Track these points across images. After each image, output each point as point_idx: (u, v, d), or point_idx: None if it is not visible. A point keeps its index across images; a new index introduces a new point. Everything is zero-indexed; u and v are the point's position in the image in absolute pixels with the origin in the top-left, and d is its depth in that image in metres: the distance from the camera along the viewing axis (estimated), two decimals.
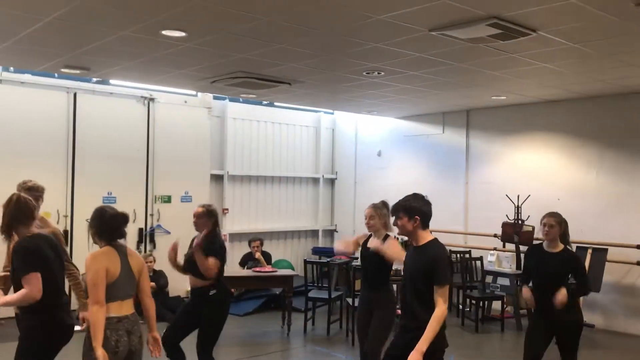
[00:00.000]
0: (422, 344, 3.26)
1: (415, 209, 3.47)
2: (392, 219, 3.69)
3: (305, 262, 7.52)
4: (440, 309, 3.32)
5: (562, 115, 8.22)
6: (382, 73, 6.38)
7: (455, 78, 6.67)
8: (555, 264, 4.45)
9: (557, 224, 4.46)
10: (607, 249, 7.44)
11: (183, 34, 4.87)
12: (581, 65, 5.93)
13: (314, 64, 6.05)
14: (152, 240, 8.74)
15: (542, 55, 5.47)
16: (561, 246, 4.51)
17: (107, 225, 3.52)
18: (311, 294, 7.39)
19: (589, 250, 7.55)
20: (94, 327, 3.26)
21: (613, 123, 7.73)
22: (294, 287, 7.50)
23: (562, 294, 4.32)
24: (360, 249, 4.93)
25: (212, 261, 4.67)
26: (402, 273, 3.70)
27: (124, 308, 3.45)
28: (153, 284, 7.98)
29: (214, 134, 9.68)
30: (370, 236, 4.87)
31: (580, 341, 4.49)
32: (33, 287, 3.43)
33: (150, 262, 8.09)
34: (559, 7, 4.04)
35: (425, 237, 3.49)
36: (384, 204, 4.83)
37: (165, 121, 8.94)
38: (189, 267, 4.87)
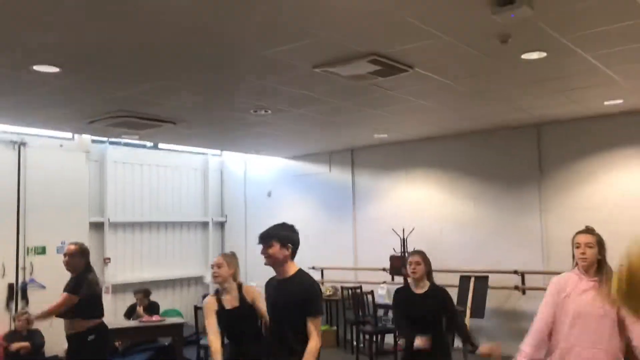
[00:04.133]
0: None
1: (288, 237, 3.37)
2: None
3: (196, 308, 7.22)
4: (315, 341, 3.19)
5: (440, 152, 8.67)
6: (269, 111, 6.41)
7: (339, 117, 6.84)
8: (424, 305, 4.22)
9: (422, 261, 4.28)
10: (487, 276, 7.84)
11: (57, 69, 4.61)
12: (454, 103, 6.31)
13: (199, 102, 5.95)
14: (25, 297, 8.00)
15: (418, 92, 5.76)
16: (428, 284, 4.30)
17: None
18: (203, 342, 7.07)
19: (472, 279, 7.91)
20: None
21: (486, 157, 8.26)
22: (185, 336, 7.15)
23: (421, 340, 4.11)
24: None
25: (62, 297, 4.62)
26: (268, 310, 3.46)
27: None
28: (27, 344, 7.29)
29: (92, 179, 9.18)
30: (217, 293, 4.25)
31: None
32: None
33: (24, 321, 7.38)
34: (432, 44, 4.28)
35: (294, 267, 3.38)
36: (233, 254, 4.53)
37: (39, 166, 8.35)
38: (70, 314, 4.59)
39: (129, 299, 8.79)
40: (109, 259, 9.31)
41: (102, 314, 4.82)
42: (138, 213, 9.88)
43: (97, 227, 9.21)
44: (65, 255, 4.72)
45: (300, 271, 3.42)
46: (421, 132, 8.21)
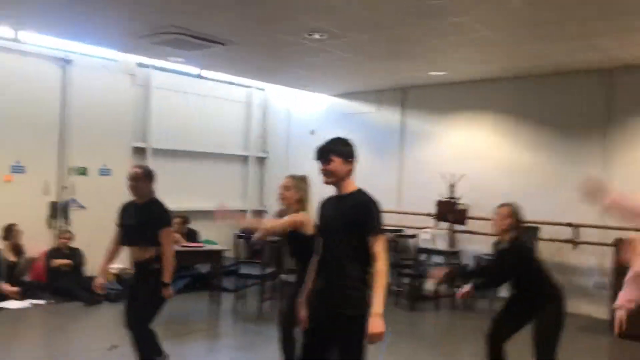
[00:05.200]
0: (378, 306, 2.88)
1: (349, 151, 3.09)
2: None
3: (237, 236, 7.08)
4: (383, 260, 2.93)
5: (499, 95, 8.21)
6: (325, 35, 6.04)
7: (398, 46, 6.44)
8: (507, 258, 4.13)
9: (507, 215, 4.12)
10: (538, 227, 7.49)
11: None
12: (524, 35, 5.86)
13: (252, 19, 5.61)
14: (66, 215, 7.99)
15: (489, 20, 5.34)
16: (510, 237, 4.14)
17: None
18: (243, 271, 6.97)
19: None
20: None
21: (547, 102, 7.79)
22: (224, 265, 7.05)
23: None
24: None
25: (168, 232, 4.33)
26: (320, 229, 3.21)
27: None
28: (69, 261, 7.32)
29: (136, 104, 9.01)
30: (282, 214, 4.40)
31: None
32: None
33: (68, 238, 7.41)
34: None
35: (353, 186, 3.12)
36: (303, 178, 4.33)
37: (83, 86, 8.18)
38: (130, 237, 4.33)
39: None
40: None
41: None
42: (180, 142, 9.72)
43: (139, 152, 9.09)
44: (130, 179, 4.33)
45: (360, 190, 3.14)
46: (481, 72, 7.74)
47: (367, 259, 2.98)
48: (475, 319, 7.19)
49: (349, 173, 3.09)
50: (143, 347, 4.25)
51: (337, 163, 3.05)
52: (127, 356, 4.74)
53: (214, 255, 6.88)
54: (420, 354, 5.72)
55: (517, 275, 4.13)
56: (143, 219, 4.27)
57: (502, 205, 4.23)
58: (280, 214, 4.49)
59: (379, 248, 2.96)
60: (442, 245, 7.92)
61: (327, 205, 3.22)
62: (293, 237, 4.13)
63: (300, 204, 4.17)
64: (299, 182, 4.22)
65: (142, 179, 4.31)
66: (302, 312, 3.20)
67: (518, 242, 4.16)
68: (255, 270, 6.98)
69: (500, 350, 4.16)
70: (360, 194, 3.11)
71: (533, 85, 7.87)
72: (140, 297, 4.23)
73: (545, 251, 7.51)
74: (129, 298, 4.38)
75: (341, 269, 3.01)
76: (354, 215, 3.01)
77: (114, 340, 5.39)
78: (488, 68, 7.49)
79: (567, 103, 7.62)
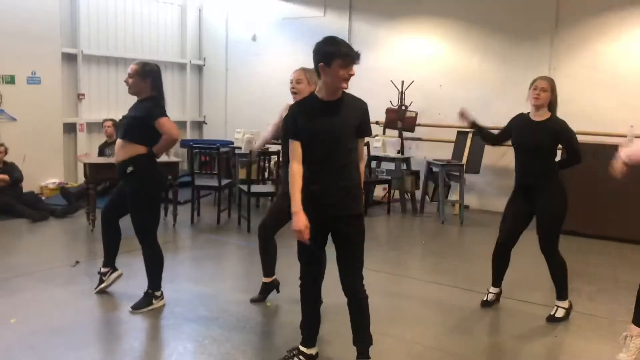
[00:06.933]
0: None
1: None
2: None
3: (192, 147, 6.83)
4: (364, 161, 3.23)
5: (449, 0, 8.13)
6: None
7: None
8: (539, 133, 4.02)
9: (549, 88, 4.01)
10: None
11: None
12: None
13: None
14: None
15: None
16: (548, 114, 4.06)
17: None
18: (197, 182, 6.79)
19: (469, 135, 7.79)
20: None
21: (498, 8, 7.82)
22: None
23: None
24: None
25: (164, 121, 3.97)
26: (309, 132, 3.06)
27: None
28: (5, 176, 6.83)
29: (64, 6, 8.23)
30: None
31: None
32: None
33: (1, 152, 6.87)
34: None
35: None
36: (314, 70, 4.15)
37: None
38: (121, 132, 4.09)
39: (104, 139, 8.27)
40: (83, 95, 8.64)
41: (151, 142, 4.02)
42: (112, 47, 9.06)
43: (69, 58, 8.42)
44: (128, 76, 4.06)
45: (350, 94, 3.15)
46: None
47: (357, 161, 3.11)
48: (425, 221, 7.52)
49: None
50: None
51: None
52: (92, 273, 4.60)
53: (170, 167, 6.60)
54: (378, 253, 5.91)
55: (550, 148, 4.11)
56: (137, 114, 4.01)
57: (542, 77, 4.11)
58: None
59: (362, 149, 3.17)
60: (392, 152, 8.02)
61: (318, 110, 3.09)
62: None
63: None
64: (312, 75, 3.90)
65: (136, 76, 4.03)
66: (304, 220, 3.11)
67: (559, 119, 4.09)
68: (210, 182, 6.82)
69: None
70: (355, 99, 3.15)
71: None
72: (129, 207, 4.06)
73: (492, 155, 7.82)
74: (114, 196, 4.26)
75: (346, 172, 3.02)
76: (357, 120, 3.05)
77: (75, 256, 5.19)
78: None
79: (518, 9, 7.68)
